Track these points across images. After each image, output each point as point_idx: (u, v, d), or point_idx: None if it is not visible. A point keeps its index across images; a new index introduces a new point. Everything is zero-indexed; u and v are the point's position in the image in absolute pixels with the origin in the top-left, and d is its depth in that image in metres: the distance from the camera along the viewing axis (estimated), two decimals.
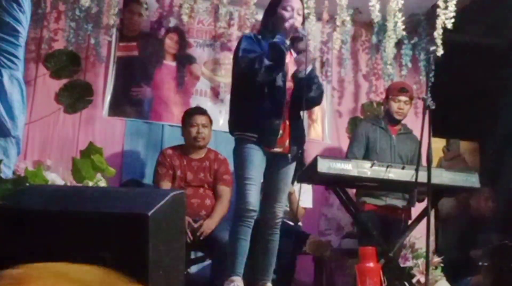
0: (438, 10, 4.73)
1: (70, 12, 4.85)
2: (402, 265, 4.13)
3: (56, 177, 3.94)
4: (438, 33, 4.75)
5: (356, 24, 5.45)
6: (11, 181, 2.30)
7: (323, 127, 5.49)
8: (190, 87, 5.24)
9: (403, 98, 4.60)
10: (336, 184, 4.05)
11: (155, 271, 1.99)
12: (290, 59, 3.49)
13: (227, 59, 5.25)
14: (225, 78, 5.24)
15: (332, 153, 5.18)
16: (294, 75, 3.47)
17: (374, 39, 5.39)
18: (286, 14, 3.47)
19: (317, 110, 5.48)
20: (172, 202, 2.15)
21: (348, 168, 3.83)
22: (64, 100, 4.89)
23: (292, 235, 4.28)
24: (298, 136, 3.53)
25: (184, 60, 5.27)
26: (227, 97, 5.21)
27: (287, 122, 3.46)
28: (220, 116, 5.12)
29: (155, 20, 5.21)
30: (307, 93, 3.43)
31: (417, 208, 4.10)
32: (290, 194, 4.40)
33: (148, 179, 4.67)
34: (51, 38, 4.91)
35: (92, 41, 4.94)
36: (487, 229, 5.14)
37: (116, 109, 5.03)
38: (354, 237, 4.79)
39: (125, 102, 5.07)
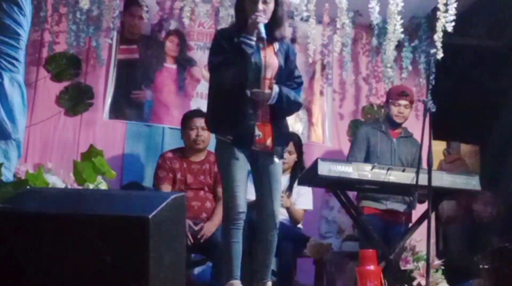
0: (438, 13, 4.73)
1: (71, 15, 4.86)
2: (402, 268, 4.13)
3: (57, 180, 3.94)
4: (438, 36, 4.76)
5: (357, 27, 5.45)
6: (11, 184, 2.30)
7: (324, 130, 5.49)
8: (191, 89, 5.25)
9: (403, 102, 4.60)
10: (336, 186, 4.05)
11: (156, 274, 1.99)
12: (268, 52, 3.39)
13: None
14: None
15: (332, 156, 5.17)
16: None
17: (374, 41, 5.39)
18: (249, 8, 3.35)
19: (317, 113, 5.49)
20: (173, 205, 2.15)
21: (349, 170, 3.83)
22: (65, 103, 4.90)
23: (292, 238, 4.28)
24: (281, 136, 3.46)
25: (184, 62, 5.27)
26: None
27: (268, 123, 3.40)
28: None
29: (156, 23, 5.21)
30: (283, 112, 3.45)
31: (418, 211, 4.10)
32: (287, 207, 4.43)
33: (148, 182, 4.66)
34: (52, 41, 4.91)
35: (93, 44, 4.95)
36: (488, 233, 5.13)
37: (116, 112, 5.04)
38: (355, 240, 4.80)
39: (126, 105, 5.07)
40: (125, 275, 1.95)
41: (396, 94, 4.64)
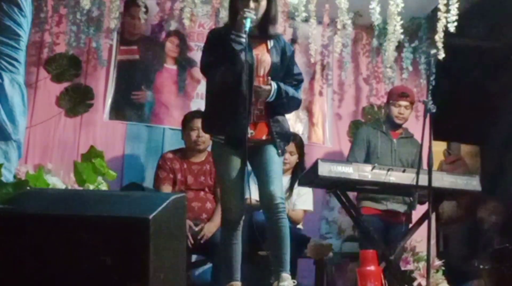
0: (439, 13, 4.73)
1: (71, 16, 4.86)
2: (403, 269, 4.13)
3: (57, 181, 3.94)
4: (439, 37, 4.76)
5: (357, 28, 5.45)
6: (12, 184, 2.30)
7: (324, 131, 5.49)
8: (191, 90, 5.25)
9: (403, 103, 4.61)
10: (337, 187, 4.05)
11: (156, 274, 1.99)
12: (260, 50, 3.39)
13: None
14: None
15: (333, 157, 5.17)
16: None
17: (374, 42, 5.39)
18: (240, 6, 3.32)
19: (317, 113, 5.49)
20: (173, 205, 2.15)
21: (349, 171, 3.83)
22: (65, 104, 4.90)
23: (292, 238, 4.28)
24: (280, 132, 3.41)
25: (185, 63, 5.27)
26: None
27: (264, 121, 3.38)
28: None
29: (156, 23, 5.22)
30: (283, 108, 3.43)
31: (418, 212, 4.10)
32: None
33: (148, 183, 4.67)
34: (52, 41, 4.92)
35: (93, 44, 4.95)
36: (489, 233, 5.14)
37: (117, 112, 5.04)
38: (355, 241, 4.79)
39: (126, 106, 5.08)
40: (125, 276, 1.95)
41: (396, 95, 4.65)
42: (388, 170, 3.91)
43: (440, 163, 6.45)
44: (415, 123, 5.16)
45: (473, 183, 4.06)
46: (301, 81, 3.62)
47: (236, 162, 3.35)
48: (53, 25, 4.96)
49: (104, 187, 3.18)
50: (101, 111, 5.00)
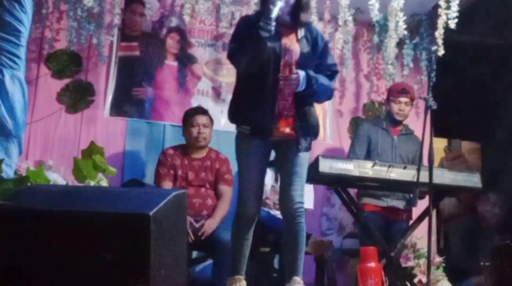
0: (439, 10, 4.72)
1: (72, 12, 4.85)
2: (403, 265, 4.13)
3: (58, 177, 3.95)
4: (439, 33, 4.75)
5: (358, 24, 5.44)
6: (12, 181, 2.30)
7: (325, 127, 5.48)
8: (192, 87, 5.24)
9: (403, 99, 4.60)
10: (337, 184, 4.05)
11: (157, 271, 1.99)
12: (290, 38, 3.32)
13: None
14: (226, 78, 5.24)
15: (333, 153, 5.17)
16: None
17: (375, 39, 5.38)
18: None
19: (318, 110, 5.46)
20: (174, 202, 2.15)
21: (350, 168, 3.84)
22: (66, 100, 4.90)
23: None
24: (306, 126, 3.33)
25: (185, 60, 5.27)
26: (228, 97, 5.19)
27: (290, 112, 3.30)
28: (221, 116, 5.12)
29: (157, 20, 5.22)
30: (313, 98, 3.35)
31: (419, 208, 4.10)
32: None
33: (149, 179, 4.67)
34: (52, 38, 4.92)
35: (94, 41, 4.95)
36: (490, 230, 5.13)
37: (117, 109, 5.04)
38: (356, 237, 4.79)
39: (127, 102, 5.08)
40: (126, 272, 1.95)
41: (396, 91, 4.64)
42: (389, 166, 3.91)
43: (440, 160, 6.44)
44: (416, 120, 5.16)
45: (473, 180, 4.06)
46: (336, 72, 3.51)
47: (259, 154, 3.31)
48: (54, 21, 4.96)
49: (104, 183, 3.18)
50: (101, 107, 5.00)
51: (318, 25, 5.12)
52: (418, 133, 4.44)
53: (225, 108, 5.12)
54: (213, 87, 5.28)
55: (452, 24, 4.65)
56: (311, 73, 3.27)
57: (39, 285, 2.01)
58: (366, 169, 3.87)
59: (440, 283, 4.05)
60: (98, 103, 4.98)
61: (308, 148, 3.37)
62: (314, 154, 4.36)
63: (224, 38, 5.27)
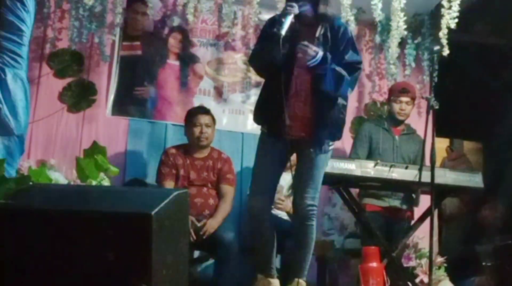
0: (442, 9, 4.71)
1: (74, 11, 4.85)
2: (405, 265, 4.13)
3: (60, 176, 3.95)
4: (443, 33, 4.74)
5: (360, 24, 5.42)
6: (14, 180, 2.30)
7: None
8: (194, 86, 5.24)
9: (404, 98, 4.60)
10: (339, 183, 4.05)
11: (159, 270, 1.99)
12: (308, 37, 3.28)
13: (231, 58, 5.26)
14: (228, 77, 5.24)
15: (335, 153, 5.14)
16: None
17: (377, 38, 5.37)
18: None
19: None
20: (176, 201, 2.15)
21: (352, 168, 3.84)
22: (68, 99, 4.90)
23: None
24: (325, 127, 3.30)
25: (187, 59, 5.27)
26: (230, 96, 5.23)
27: (306, 112, 3.27)
28: (223, 116, 5.13)
29: (159, 19, 5.21)
30: (320, 85, 3.24)
31: (420, 208, 4.10)
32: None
33: (151, 179, 4.67)
34: (54, 37, 4.91)
35: (96, 40, 4.94)
36: (491, 230, 5.13)
37: (119, 108, 5.03)
38: (357, 237, 4.79)
39: (129, 102, 5.07)
40: (128, 272, 1.96)
41: (397, 91, 4.64)
42: (391, 166, 3.91)
43: (442, 159, 6.43)
44: (418, 120, 5.15)
45: (475, 180, 4.06)
46: (357, 69, 3.40)
47: (272, 153, 3.32)
48: (56, 21, 4.95)
49: (106, 182, 3.19)
50: (103, 106, 4.99)
51: None
52: (420, 132, 4.44)
53: (227, 108, 5.18)
54: (215, 87, 5.27)
55: (452, 24, 4.65)
56: (329, 58, 3.22)
57: (41, 284, 2.01)
58: (368, 169, 3.87)
59: (441, 283, 4.05)
60: (100, 102, 4.97)
61: (326, 150, 3.34)
62: None
63: (226, 38, 5.27)
